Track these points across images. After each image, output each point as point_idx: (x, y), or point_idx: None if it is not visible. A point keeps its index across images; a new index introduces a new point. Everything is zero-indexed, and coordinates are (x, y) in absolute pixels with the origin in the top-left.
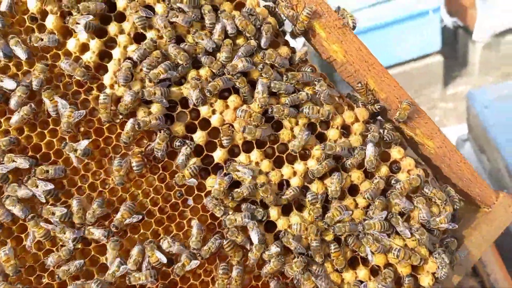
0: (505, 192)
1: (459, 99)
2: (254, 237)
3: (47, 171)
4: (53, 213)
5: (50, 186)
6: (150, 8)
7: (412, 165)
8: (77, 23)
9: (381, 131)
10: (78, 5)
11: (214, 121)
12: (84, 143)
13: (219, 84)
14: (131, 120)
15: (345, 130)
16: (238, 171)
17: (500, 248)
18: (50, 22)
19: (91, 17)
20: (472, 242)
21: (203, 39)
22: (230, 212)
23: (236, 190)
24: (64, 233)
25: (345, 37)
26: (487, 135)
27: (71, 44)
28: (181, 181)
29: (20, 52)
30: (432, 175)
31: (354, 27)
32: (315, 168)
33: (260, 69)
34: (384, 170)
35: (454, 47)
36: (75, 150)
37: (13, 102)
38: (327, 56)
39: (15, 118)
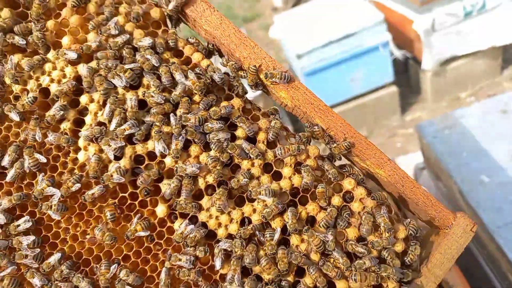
0: (462, 212)
1: None
2: (217, 262)
3: (18, 225)
4: (26, 256)
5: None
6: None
7: (364, 193)
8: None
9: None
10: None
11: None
12: (56, 197)
13: (178, 147)
14: (98, 186)
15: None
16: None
17: (463, 268)
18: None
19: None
20: (434, 263)
21: (153, 96)
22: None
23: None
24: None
25: (290, 85)
26: (440, 163)
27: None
28: (133, 235)
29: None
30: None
31: (288, 79)
32: (265, 211)
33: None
34: (337, 200)
35: (406, 77)
36: (50, 207)
37: (6, 160)
38: (279, 102)
39: (10, 173)
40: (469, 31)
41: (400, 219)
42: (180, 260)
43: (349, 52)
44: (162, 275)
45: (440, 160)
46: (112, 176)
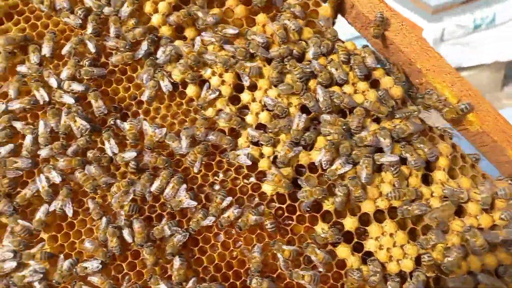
0: None
1: None
2: None
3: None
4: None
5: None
6: None
7: None
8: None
9: None
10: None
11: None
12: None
13: (339, 172)
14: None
15: None
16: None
17: None
18: (191, 91)
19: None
20: None
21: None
22: None
23: None
24: None
25: (480, 107)
26: None
27: (209, 112)
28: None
29: None
30: None
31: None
32: (446, 261)
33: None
34: None
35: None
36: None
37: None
38: (459, 126)
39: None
40: (476, 44)
41: None
42: (303, 277)
43: None
44: None
45: None
46: (247, 219)
